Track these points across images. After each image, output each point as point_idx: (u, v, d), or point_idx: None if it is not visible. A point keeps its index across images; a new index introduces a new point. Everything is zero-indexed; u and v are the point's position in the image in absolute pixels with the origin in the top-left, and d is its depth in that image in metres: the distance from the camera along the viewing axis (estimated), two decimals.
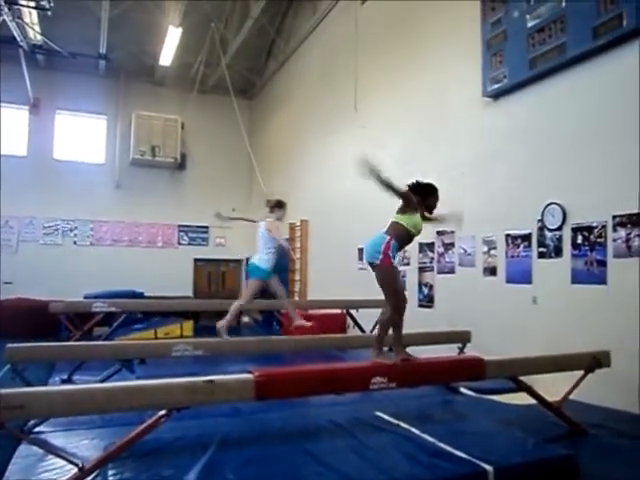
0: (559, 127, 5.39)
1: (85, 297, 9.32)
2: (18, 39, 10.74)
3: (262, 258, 5.46)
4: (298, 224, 11.39)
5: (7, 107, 12.70)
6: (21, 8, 9.74)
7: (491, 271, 6.15)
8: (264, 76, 14.51)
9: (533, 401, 3.83)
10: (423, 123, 7.59)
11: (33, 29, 10.82)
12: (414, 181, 3.64)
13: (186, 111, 14.05)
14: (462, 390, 5.09)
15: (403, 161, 8.02)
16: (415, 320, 7.07)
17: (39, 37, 11.32)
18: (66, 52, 11.75)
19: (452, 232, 6.81)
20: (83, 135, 13.94)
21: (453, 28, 6.95)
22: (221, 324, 5.25)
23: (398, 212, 3.53)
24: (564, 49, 5.17)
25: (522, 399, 4.09)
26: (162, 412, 2.61)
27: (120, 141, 13.87)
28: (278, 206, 5.70)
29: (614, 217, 4.74)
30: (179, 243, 14.51)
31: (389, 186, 3.32)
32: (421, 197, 3.57)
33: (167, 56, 11.76)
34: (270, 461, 2.89)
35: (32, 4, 9.47)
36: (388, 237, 3.39)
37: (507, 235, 5.93)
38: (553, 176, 5.41)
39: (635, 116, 4.53)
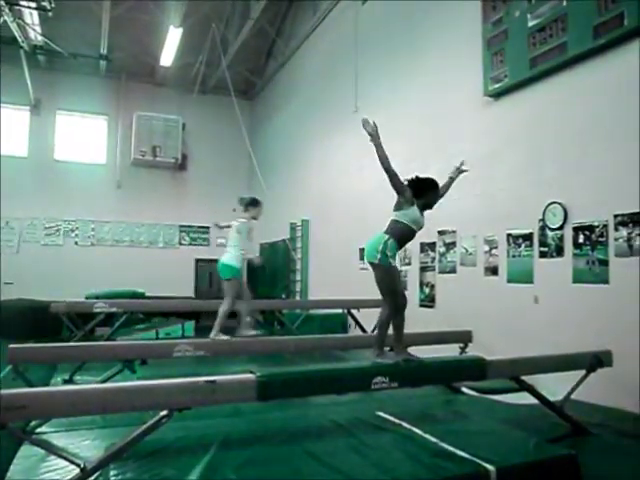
0: (560, 126, 5.39)
1: (86, 297, 9.32)
2: (19, 40, 10.75)
3: (232, 256, 5.27)
4: (299, 224, 11.38)
5: (8, 108, 12.72)
6: (22, 9, 9.76)
7: (492, 271, 6.15)
8: (264, 77, 14.51)
9: (535, 401, 3.82)
10: (424, 123, 7.58)
11: (34, 30, 10.83)
12: (413, 177, 3.54)
13: (187, 111, 14.09)
14: (464, 390, 5.08)
15: (404, 161, 8.01)
16: (416, 320, 7.11)
17: (40, 38, 11.33)
18: (67, 53, 11.77)
19: (453, 232, 6.81)
20: (84, 136, 13.94)
21: (454, 27, 6.94)
22: (213, 335, 5.04)
23: (395, 209, 3.47)
24: (565, 48, 5.17)
25: (524, 399, 4.08)
26: (163, 412, 2.60)
27: (121, 141, 13.88)
28: (252, 204, 5.47)
29: (615, 216, 4.73)
30: (180, 243, 14.52)
31: (384, 159, 3.33)
32: (421, 193, 3.49)
33: (168, 57, 11.80)
34: (271, 461, 2.88)
35: (33, 5, 9.47)
36: (387, 236, 3.37)
37: (508, 235, 5.92)
38: (554, 175, 5.40)
39: (636, 115, 4.53)
